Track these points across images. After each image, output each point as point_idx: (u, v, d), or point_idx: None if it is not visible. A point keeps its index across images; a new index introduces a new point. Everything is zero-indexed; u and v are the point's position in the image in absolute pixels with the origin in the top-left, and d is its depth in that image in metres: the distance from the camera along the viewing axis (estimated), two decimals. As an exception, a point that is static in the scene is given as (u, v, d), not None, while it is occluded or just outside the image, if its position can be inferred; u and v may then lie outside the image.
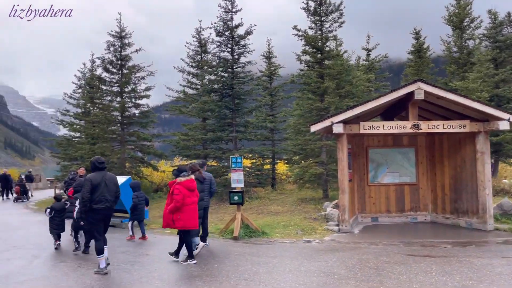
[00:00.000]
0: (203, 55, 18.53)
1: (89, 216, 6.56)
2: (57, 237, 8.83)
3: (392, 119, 10.22)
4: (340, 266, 6.57)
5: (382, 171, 11.13)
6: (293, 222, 10.92)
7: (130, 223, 9.88)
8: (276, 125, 19.09)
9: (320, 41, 14.51)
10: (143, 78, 17.41)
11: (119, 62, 17.32)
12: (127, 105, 17.21)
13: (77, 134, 21.97)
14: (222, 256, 7.59)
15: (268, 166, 18.39)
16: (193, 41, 18.72)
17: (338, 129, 8.94)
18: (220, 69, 15.80)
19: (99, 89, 17.41)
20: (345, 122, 9.09)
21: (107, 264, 6.58)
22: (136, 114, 17.59)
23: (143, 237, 9.66)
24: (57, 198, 9.40)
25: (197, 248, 7.62)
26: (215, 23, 15.42)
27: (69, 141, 21.86)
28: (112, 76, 17.39)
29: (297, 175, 14.79)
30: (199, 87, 18.14)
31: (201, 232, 8.19)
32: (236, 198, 9.78)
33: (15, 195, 20.90)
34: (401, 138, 10.90)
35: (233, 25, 15.42)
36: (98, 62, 21.22)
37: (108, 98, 17.82)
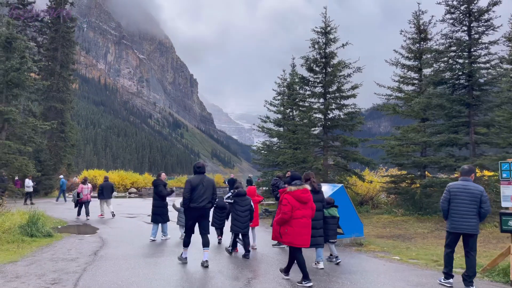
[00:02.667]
0: (421, 43, 15.35)
1: (187, 212, 7.35)
2: (220, 233, 9.89)
3: None
4: None
5: None
6: None
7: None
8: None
9: None
10: (349, 75, 15.47)
11: (323, 60, 15.86)
12: (331, 107, 15.55)
13: (276, 140, 21.88)
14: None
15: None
16: (410, 27, 15.76)
17: None
18: (452, 53, 12.39)
19: (303, 89, 16.24)
20: None
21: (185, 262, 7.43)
22: (341, 116, 15.74)
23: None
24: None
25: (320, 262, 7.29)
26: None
27: (269, 147, 21.95)
28: (316, 76, 16.07)
29: None
30: (415, 81, 15.02)
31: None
32: (511, 223, 6.64)
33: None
34: None
35: (472, -5, 11.89)
36: (298, 66, 20.62)
37: (311, 100, 16.56)
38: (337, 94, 15.61)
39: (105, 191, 16.32)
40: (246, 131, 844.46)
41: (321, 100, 16.08)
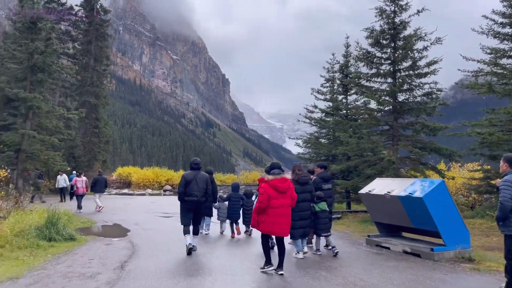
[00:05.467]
0: (520, 4, 12.36)
1: (182, 205, 7.98)
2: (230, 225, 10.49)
3: None
4: None
5: None
6: None
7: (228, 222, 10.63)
8: None
9: None
10: (425, 48, 12.69)
11: (391, 32, 13.18)
12: (403, 88, 12.83)
13: (326, 131, 19.38)
14: None
15: None
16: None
17: None
18: None
19: (369, 66, 13.44)
20: None
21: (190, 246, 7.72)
22: (416, 98, 12.97)
23: (233, 233, 10.21)
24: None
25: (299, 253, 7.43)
26: None
27: (317, 139, 19.49)
28: (382, 51, 13.39)
29: None
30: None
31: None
32: None
33: None
34: None
35: None
36: (353, 45, 17.98)
37: (376, 80, 13.82)
38: (410, 72, 12.87)
39: (98, 185, 16.37)
40: (278, 130, 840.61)
41: (389, 80, 13.41)
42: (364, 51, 13.39)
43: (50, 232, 8.95)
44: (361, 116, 14.32)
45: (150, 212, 16.37)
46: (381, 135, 13.41)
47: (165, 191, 33.56)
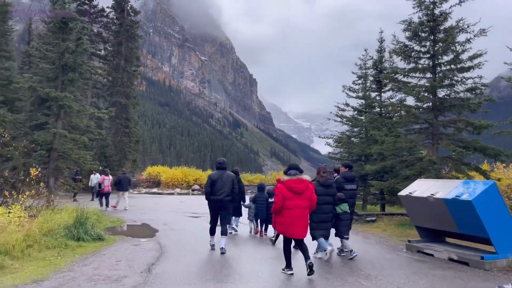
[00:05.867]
0: None
1: (209, 204, 8.20)
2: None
3: None
4: None
5: None
6: None
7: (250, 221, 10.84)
8: None
9: None
10: (468, 41, 11.82)
11: (430, 24, 12.37)
12: (444, 83, 11.99)
13: (358, 130, 18.67)
14: None
15: None
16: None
17: None
18: None
19: (407, 60, 12.64)
20: None
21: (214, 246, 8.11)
22: (458, 94, 12.10)
23: (261, 233, 10.39)
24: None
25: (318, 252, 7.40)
26: None
27: (349, 138, 18.81)
28: (421, 44, 12.60)
29: None
30: None
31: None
32: None
33: None
34: None
35: None
36: (387, 40, 17.24)
37: (414, 75, 13.01)
38: (451, 66, 12.02)
39: (122, 183, 16.61)
40: (305, 130, 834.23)
41: (428, 75, 12.59)
42: (401, 44, 12.64)
43: (79, 231, 8.84)
44: (397, 114, 13.56)
45: (178, 212, 16.22)
46: (419, 133, 12.61)
47: (193, 190, 33.61)
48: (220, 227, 8.20)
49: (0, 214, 8.38)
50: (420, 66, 12.75)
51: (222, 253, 7.74)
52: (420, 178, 11.36)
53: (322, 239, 7.27)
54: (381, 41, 17.37)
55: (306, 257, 6.00)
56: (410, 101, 12.97)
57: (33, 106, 23.50)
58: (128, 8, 35.31)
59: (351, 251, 7.56)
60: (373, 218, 13.32)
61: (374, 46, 18.38)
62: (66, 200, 15.51)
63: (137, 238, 9.78)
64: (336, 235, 7.76)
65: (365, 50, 19.03)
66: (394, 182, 12.35)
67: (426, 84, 12.39)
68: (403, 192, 8.80)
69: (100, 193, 16.16)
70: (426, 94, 12.19)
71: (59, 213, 9.93)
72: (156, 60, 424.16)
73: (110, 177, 16.78)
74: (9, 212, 8.43)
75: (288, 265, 6.22)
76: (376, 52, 17.41)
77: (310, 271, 5.88)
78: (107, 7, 35.90)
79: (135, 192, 32.94)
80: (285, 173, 6.22)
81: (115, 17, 35.44)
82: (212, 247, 8.14)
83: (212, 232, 8.21)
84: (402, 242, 9.81)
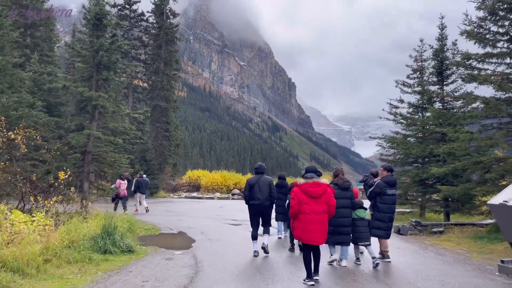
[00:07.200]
0: None
1: (249, 209, 8.18)
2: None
3: None
4: None
5: None
6: None
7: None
8: None
9: None
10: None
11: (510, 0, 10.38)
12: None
13: (414, 129, 16.71)
14: None
15: None
16: None
17: None
18: None
19: (482, 43, 10.67)
20: None
21: (257, 251, 7.85)
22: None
23: None
24: None
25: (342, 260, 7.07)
26: None
27: (405, 137, 16.92)
28: (499, 24, 10.61)
29: None
30: None
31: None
32: None
33: None
34: None
35: None
36: (450, 27, 15.26)
37: (489, 60, 10.98)
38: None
39: (141, 187, 16.49)
40: (346, 133, 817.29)
41: (507, 60, 10.59)
42: (474, 25, 10.73)
43: (106, 243, 7.82)
44: (471, 107, 11.62)
45: (217, 219, 15.09)
46: (499, 129, 10.61)
47: (233, 194, 32.58)
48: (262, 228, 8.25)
49: (23, 222, 7.54)
50: (497, 50, 10.76)
51: (266, 253, 7.84)
52: (502, 182, 9.45)
53: (345, 249, 7.13)
54: (442, 27, 15.37)
55: (316, 267, 5.85)
56: (480, 92, 11.01)
57: (76, 109, 23.46)
58: (167, 10, 35.10)
59: (373, 258, 7.16)
60: (441, 229, 11.43)
61: (414, 46, 17.07)
62: (105, 205, 14.82)
63: (171, 250, 8.65)
64: (352, 241, 7.40)
65: (421, 41, 17.08)
66: (468, 186, 10.44)
67: (506, 71, 10.39)
68: (494, 201, 7.04)
69: (116, 197, 15.83)
70: (510, 84, 10.17)
71: (87, 221, 9.01)
72: (197, 66, 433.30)
73: (126, 181, 16.38)
74: (33, 221, 7.57)
75: (309, 275, 5.83)
76: (436, 41, 15.42)
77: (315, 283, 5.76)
78: (147, 12, 35.93)
79: (175, 196, 32.44)
80: (303, 176, 6.04)
81: (154, 21, 35.38)
82: (255, 253, 7.93)
83: (254, 238, 8.04)
84: (486, 261, 8.04)
